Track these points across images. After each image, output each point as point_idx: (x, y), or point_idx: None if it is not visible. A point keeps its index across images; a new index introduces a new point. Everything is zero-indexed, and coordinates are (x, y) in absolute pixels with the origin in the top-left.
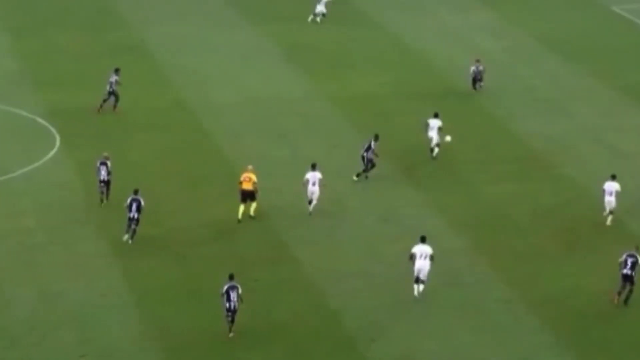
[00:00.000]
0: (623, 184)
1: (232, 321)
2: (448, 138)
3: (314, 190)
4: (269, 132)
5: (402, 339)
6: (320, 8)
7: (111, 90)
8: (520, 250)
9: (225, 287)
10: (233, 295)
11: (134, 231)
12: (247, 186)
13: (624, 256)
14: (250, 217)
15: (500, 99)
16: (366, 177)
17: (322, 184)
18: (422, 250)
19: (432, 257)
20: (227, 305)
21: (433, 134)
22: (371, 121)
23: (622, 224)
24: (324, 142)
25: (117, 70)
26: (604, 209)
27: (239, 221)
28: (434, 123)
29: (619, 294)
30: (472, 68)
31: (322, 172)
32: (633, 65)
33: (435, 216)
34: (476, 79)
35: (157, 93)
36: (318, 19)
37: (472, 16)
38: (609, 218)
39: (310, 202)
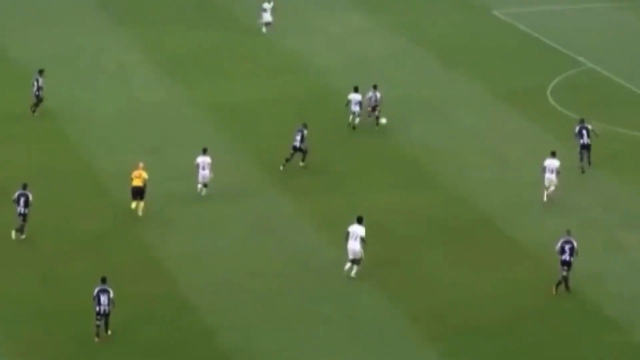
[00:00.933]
0: (503, 192)
1: (106, 324)
2: (383, 120)
3: (205, 175)
4: (140, 142)
5: (279, 355)
6: (267, 17)
7: None
8: (400, 262)
9: (96, 291)
10: (104, 298)
11: (22, 227)
12: (137, 183)
13: (559, 244)
14: (138, 215)
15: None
16: (305, 167)
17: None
18: (354, 231)
19: (362, 239)
20: (98, 309)
21: (356, 109)
22: (247, 129)
23: (500, 232)
24: (198, 152)
25: None
26: (544, 186)
27: (138, 216)
28: (355, 97)
29: (558, 285)
30: (369, 94)
31: (194, 183)
32: (514, 69)
33: (311, 227)
34: (374, 107)
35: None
36: (264, 29)
37: (352, 21)
38: (545, 194)
39: (205, 185)
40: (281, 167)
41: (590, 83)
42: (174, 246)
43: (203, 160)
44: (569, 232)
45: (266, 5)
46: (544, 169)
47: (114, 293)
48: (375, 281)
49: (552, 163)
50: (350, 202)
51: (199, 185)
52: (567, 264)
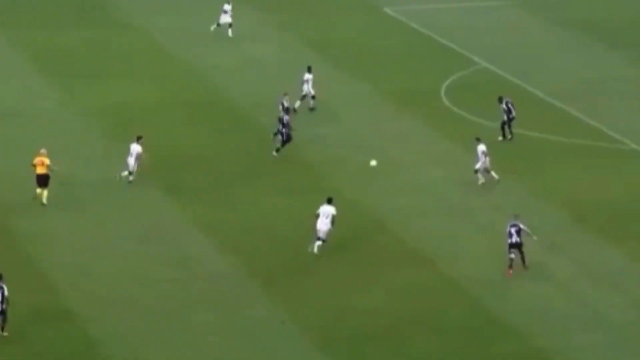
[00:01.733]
0: (397, 195)
1: (3, 322)
2: (373, 162)
3: (130, 162)
4: (14, 148)
5: None
6: (227, 18)
7: None
8: (291, 268)
9: None
10: None
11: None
12: (41, 170)
13: (507, 228)
14: (43, 204)
15: (261, 107)
16: (277, 151)
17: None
18: (325, 211)
19: (333, 218)
20: None
21: (307, 87)
22: (128, 132)
23: (393, 237)
24: (79, 156)
25: None
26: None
27: (42, 204)
28: (307, 76)
29: (510, 267)
30: (282, 100)
31: (77, 190)
32: (406, 69)
33: (200, 235)
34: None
35: None
36: (230, 32)
37: (239, 20)
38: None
39: (130, 173)
40: (274, 153)
41: (484, 82)
42: (58, 256)
43: (134, 147)
44: (516, 217)
45: (226, 7)
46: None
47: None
48: (266, 289)
49: (479, 148)
50: (239, 207)
51: (125, 172)
52: (515, 246)
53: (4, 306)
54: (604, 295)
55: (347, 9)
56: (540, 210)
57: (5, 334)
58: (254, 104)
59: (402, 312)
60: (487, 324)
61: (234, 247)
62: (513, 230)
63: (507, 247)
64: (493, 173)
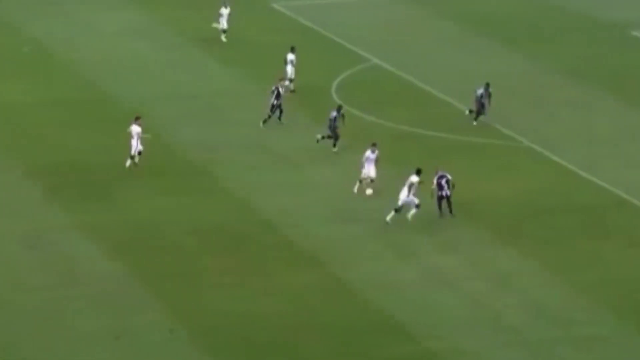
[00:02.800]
0: (286, 195)
1: None
2: (369, 191)
3: (133, 144)
4: None
5: None
6: (224, 23)
7: None
8: (180, 273)
9: None
10: None
11: None
12: None
13: (435, 179)
14: None
15: (155, 106)
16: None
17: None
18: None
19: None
20: None
21: (289, 69)
22: (10, 135)
23: (283, 237)
24: None
25: None
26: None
27: None
28: (291, 57)
29: (441, 215)
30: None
31: None
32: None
33: (84, 238)
34: None
35: None
36: (223, 37)
37: (122, 17)
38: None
39: (132, 157)
40: (334, 149)
41: (376, 79)
42: None
43: (134, 129)
44: (438, 169)
45: (223, 11)
46: (363, 161)
47: None
48: (153, 294)
49: (368, 155)
50: (124, 209)
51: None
52: (445, 198)
53: None
54: (498, 295)
55: (233, 4)
56: (433, 209)
57: None
58: (137, 102)
59: (292, 316)
60: (379, 326)
61: (120, 250)
62: (444, 181)
63: (437, 199)
64: (369, 191)
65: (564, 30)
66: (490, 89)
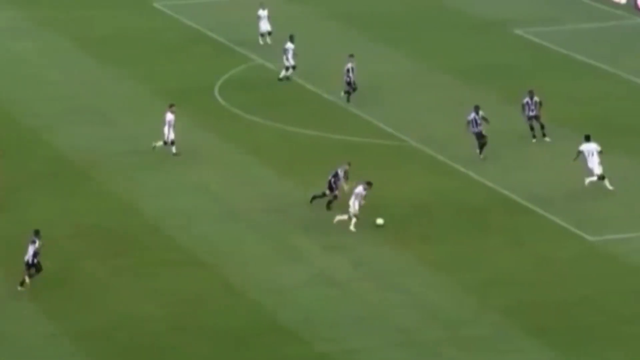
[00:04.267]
0: (173, 198)
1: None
2: (380, 221)
3: (165, 131)
4: None
5: None
6: (265, 26)
7: None
8: (61, 277)
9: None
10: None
11: None
12: None
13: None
14: None
15: (32, 107)
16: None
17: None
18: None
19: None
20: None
21: (288, 56)
22: None
23: (170, 240)
24: None
25: None
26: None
27: None
28: (289, 46)
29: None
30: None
31: None
32: (178, 66)
33: None
34: None
35: None
36: (262, 40)
37: (1, 16)
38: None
39: (165, 143)
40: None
41: (260, 79)
42: None
43: (168, 117)
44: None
45: (261, 13)
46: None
47: None
48: (33, 297)
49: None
50: (13, 216)
51: (159, 143)
52: (330, 188)
53: (36, 260)
54: (385, 296)
55: (113, 4)
56: (320, 209)
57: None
58: (16, 103)
59: (179, 318)
60: (268, 329)
61: (4, 257)
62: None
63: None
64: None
65: (447, 29)
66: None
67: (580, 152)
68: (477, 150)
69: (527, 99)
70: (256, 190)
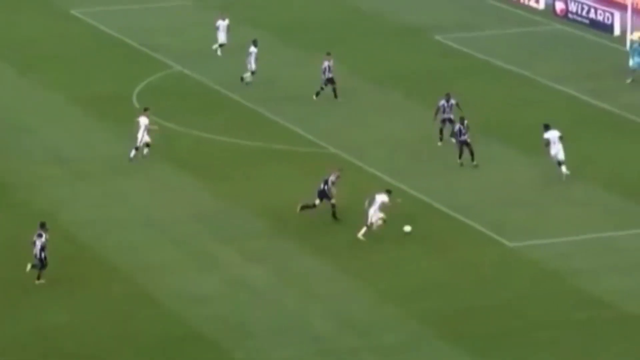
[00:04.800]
0: (89, 207)
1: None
2: (407, 228)
3: (140, 136)
4: None
5: None
6: (222, 38)
7: None
8: None
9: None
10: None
11: None
12: None
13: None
14: None
15: None
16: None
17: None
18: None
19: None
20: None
21: (251, 59)
22: None
23: (87, 250)
24: None
25: None
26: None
27: None
28: (252, 50)
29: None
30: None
31: None
32: (96, 74)
33: None
34: None
35: None
36: (219, 51)
37: None
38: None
39: (137, 148)
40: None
41: (178, 86)
42: None
43: (142, 120)
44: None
45: (220, 23)
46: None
47: None
48: None
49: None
50: None
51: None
52: (324, 195)
53: (43, 254)
54: (305, 305)
55: (30, 11)
56: (238, 217)
57: (41, 281)
58: None
59: (99, 327)
60: (187, 338)
61: None
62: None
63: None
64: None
65: (368, 35)
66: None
67: (548, 140)
68: (459, 160)
69: (443, 102)
70: (175, 198)
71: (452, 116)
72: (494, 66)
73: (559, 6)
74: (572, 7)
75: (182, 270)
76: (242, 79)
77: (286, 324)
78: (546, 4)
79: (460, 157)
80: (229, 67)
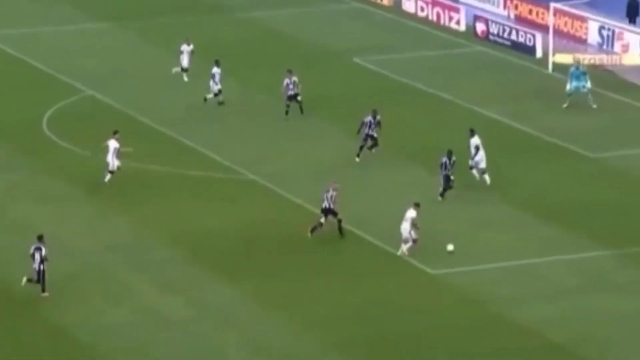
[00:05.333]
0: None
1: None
2: (450, 247)
3: (110, 160)
4: None
5: None
6: (185, 63)
7: None
8: None
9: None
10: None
11: None
12: None
13: (322, 195)
14: None
15: None
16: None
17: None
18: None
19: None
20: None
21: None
22: None
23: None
24: None
25: None
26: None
27: None
28: (188, 49)
29: (313, 230)
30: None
31: None
32: (3, 98)
33: None
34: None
35: None
36: (184, 77)
37: None
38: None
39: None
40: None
41: (90, 111)
42: None
43: (111, 143)
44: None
45: (184, 48)
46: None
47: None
48: None
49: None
50: None
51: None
52: (329, 212)
53: (43, 267)
54: (221, 334)
55: None
56: (151, 246)
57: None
58: None
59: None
60: None
61: None
62: (327, 195)
63: (322, 212)
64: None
65: (284, 58)
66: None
67: (478, 147)
68: (440, 196)
69: (369, 118)
70: (87, 227)
71: (375, 134)
72: (414, 89)
73: (480, 28)
74: (493, 28)
75: (95, 300)
76: (205, 99)
77: (200, 355)
78: (467, 26)
79: (442, 194)
80: (142, 93)
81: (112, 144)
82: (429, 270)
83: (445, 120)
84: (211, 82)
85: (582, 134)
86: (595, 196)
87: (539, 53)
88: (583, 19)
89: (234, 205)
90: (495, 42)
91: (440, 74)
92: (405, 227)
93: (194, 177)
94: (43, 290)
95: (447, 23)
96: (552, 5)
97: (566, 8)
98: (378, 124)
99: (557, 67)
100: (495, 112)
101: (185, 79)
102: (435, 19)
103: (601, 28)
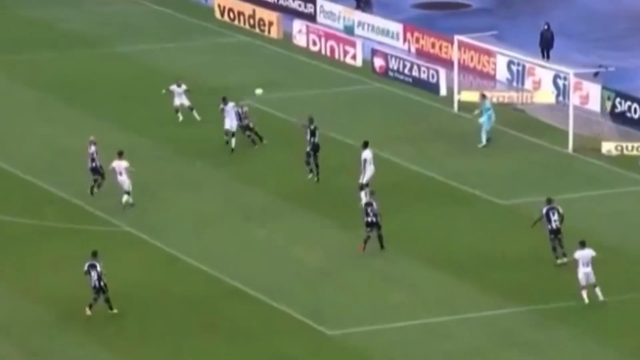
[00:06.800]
0: None
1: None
2: (259, 91)
3: (123, 180)
4: None
5: None
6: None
7: None
8: None
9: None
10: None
11: None
12: None
13: (364, 210)
14: None
15: None
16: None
17: (130, 170)
18: (583, 256)
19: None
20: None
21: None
22: None
23: None
24: None
25: None
26: None
27: None
28: (180, 90)
29: (365, 242)
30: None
31: None
32: None
33: None
34: None
35: None
36: (180, 117)
37: None
38: None
39: (128, 192)
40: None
41: None
42: None
43: (119, 164)
44: (371, 193)
45: (175, 89)
46: None
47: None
48: None
49: None
50: None
51: (125, 197)
52: (373, 225)
53: (102, 283)
54: None
55: None
56: (16, 308)
57: (114, 311)
58: None
59: None
60: None
61: None
62: (369, 209)
63: (365, 225)
64: None
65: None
66: None
67: (366, 160)
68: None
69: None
70: None
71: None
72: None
73: (378, 63)
74: (393, 64)
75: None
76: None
77: None
78: (364, 61)
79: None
80: (7, 137)
81: (121, 164)
82: (325, 330)
83: (338, 162)
84: (227, 119)
85: (491, 178)
86: (505, 248)
87: (442, 90)
88: (490, 53)
89: (108, 259)
90: (395, 78)
91: (333, 113)
92: None
93: (61, 230)
94: (110, 309)
95: (342, 58)
96: (457, 38)
97: (472, 41)
98: (315, 130)
99: (463, 105)
100: (395, 154)
101: (197, 116)
102: (329, 53)
103: (510, 63)
